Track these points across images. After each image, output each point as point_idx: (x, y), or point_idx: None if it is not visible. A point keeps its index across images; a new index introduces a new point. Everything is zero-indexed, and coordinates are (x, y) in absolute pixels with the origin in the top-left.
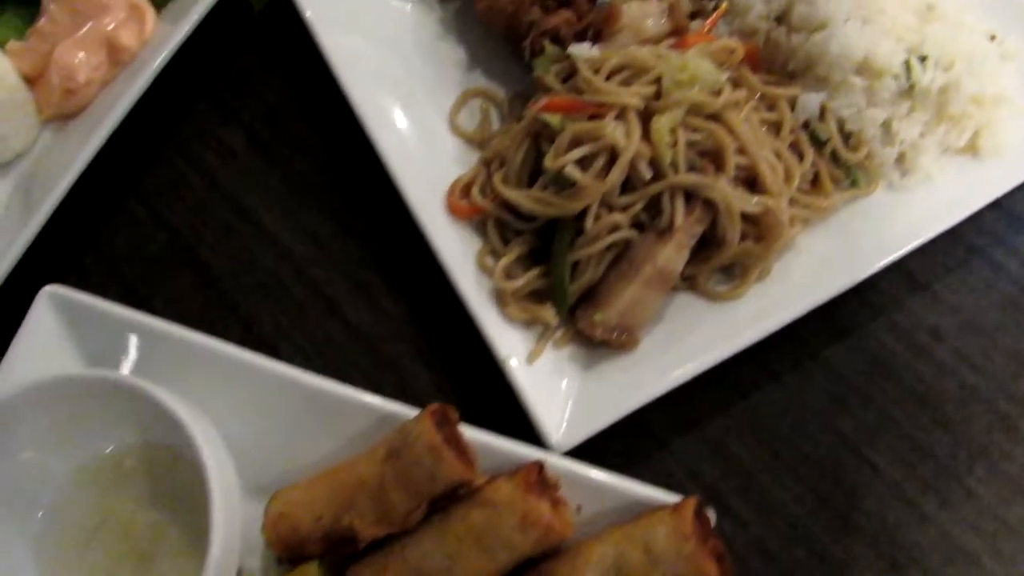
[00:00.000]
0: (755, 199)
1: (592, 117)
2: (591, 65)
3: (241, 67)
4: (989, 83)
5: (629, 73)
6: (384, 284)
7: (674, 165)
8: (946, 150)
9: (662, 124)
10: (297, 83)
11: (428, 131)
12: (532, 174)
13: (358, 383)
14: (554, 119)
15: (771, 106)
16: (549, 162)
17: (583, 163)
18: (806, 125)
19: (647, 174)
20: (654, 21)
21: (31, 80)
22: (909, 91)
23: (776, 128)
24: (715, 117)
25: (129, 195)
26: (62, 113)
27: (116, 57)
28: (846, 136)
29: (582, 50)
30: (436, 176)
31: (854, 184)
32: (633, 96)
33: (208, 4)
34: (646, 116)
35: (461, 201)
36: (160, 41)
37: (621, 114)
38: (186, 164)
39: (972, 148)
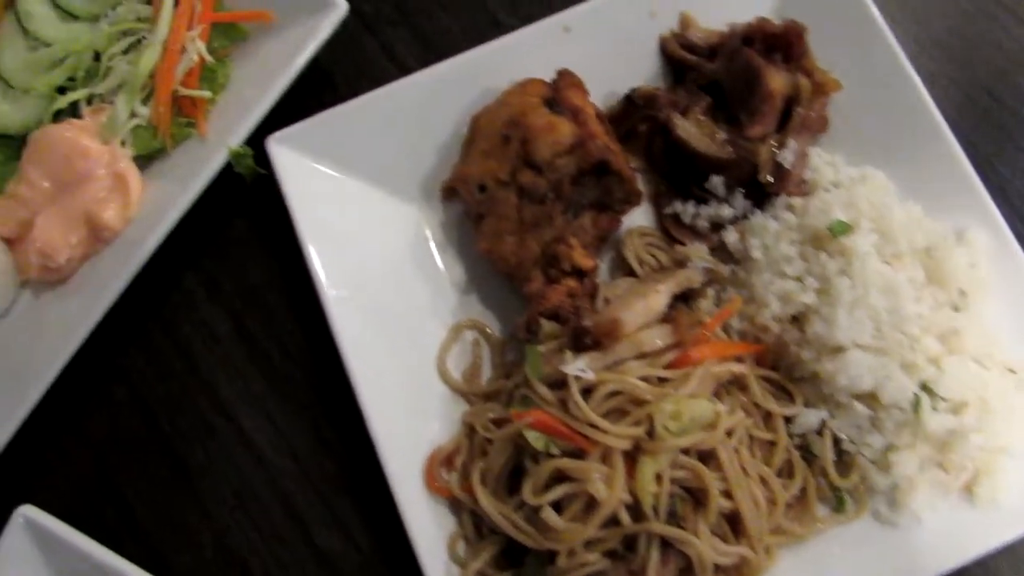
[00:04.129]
0: (732, 549)
1: (576, 449)
2: (583, 385)
3: (230, 235)
4: (999, 432)
5: (623, 400)
6: (359, 514)
7: (655, 508)
8: (941, 488)
9: (647, 470)
10: (286, 261)
11: (415, 372)
12: (513, 474)
13: None
14: (538, 441)
15: (768, 418)
16: (528, 496)
17: (562, 499)
18: (802, 436)
19: (626, 519)
20: (657, 334)
21: (9, 242)
22: (914, 424)
23: (770, 446)
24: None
25: (110, 371)
26: (42, 279)
27: (98, 234)
28: (840, 452)
29: (575, 368)
30: (418, 430)
31: (840, 506)
32: (621, 440)
33: (199, 188)
34: (635, 450)
35: (440, 473)
36: (147, 213)
37: (606, 454)
38: (169, 343)
39: (968, 490)
